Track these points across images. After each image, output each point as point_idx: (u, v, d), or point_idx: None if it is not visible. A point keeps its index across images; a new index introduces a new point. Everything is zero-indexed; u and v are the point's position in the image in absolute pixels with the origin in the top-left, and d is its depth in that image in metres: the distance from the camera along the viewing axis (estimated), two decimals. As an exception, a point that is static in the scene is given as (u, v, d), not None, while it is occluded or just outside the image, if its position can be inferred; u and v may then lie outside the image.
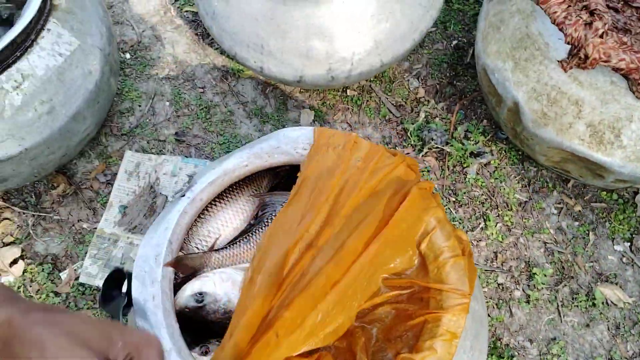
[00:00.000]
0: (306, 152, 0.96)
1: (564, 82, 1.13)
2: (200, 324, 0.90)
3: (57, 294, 1.27)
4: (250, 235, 1.00)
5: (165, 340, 0.82)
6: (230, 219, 1.04)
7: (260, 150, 0.96)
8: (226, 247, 1.00)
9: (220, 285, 0.91)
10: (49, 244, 1.33)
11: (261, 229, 1.00)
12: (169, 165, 1.39)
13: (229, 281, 0.91)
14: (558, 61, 1.12)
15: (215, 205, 1.04)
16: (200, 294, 0.90)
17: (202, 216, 1.02)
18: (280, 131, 0.98)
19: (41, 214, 1.36)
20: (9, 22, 1.37)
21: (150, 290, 0.86)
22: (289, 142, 0.96)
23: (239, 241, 1.00)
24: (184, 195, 0.95)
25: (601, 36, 1.04)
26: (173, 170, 1.38)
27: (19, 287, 1.27)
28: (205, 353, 0.89)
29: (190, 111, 1.49)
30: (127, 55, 1.57)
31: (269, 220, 1.00)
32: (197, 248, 1.01)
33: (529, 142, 1.26)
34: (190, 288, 0.90)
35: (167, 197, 1.34)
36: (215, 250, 0.99)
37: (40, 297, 1.26)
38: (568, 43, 1.08)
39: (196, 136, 1.45)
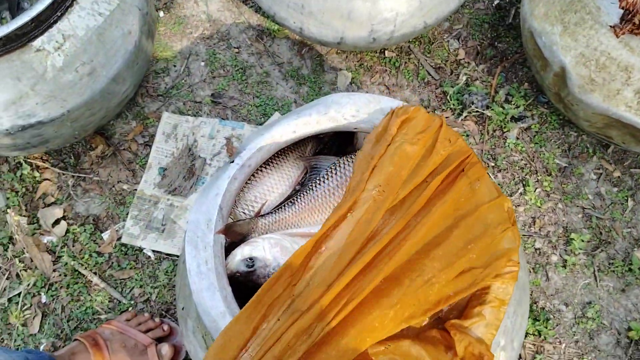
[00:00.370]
0: (354, 119, 0.95)
1: (614, 47, 1.10)
2: (249, 289, 0.92)
3: (99, 254, 1.30)
4: (295, 199, 1.01)
5: (219, 302, 0.84)
6: (276, 184, 1.04)
7: (309, 116, 0.95)
8: (272, 212, 1.01)
9: (269, 250, 0.92)
10: (90, 204, 1.35)
11: (306, 193, 1.01)
12: (207, 128, 1.39)
13: (278, 246, 0.92)
14: (610, 26, 1.09)
15: (261, 170, 1.04)
16: (251, 259, 0.91)
17: (248, 182, 1.03)
18: (328, 97, 0.97)
19: (81, 174, 1.38)
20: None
21: (203, 254, 0.87)
22: (337, 109, 0.96)
23: (284, 206, 1.01)
24: (233, 162, 0.95)
25: (659, 0, 1.01)
26: (210, 133, 1.38)
27: (62, 247, 1.30)
28: (256, 316, 0.91)
29: (226, 72, 1.48)
30: (161, 14, 1.55)
31: (314, 184, 1.00)
32: (244, 213, 1.02)
33: (574, 107, 1.23)
34: (241, 253, 0.92)
35: (205, 159, 1.35)
36: (262, 215, 1.00)
37: (83, 257, 1.29)
38: (622, 8, 1.04)
39: (232, 98, 1.44)
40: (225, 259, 0.92)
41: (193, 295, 0.85)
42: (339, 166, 1.00)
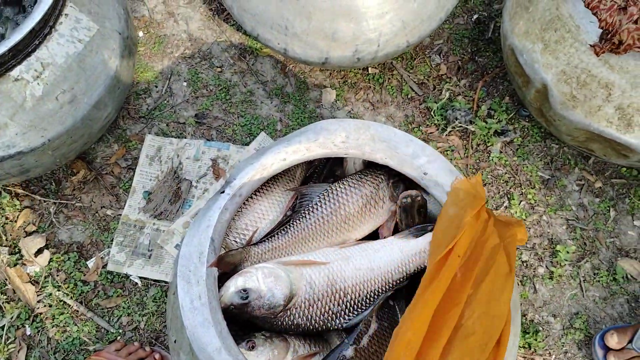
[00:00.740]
0: (344, 145, 0.95)
1: (595, 65, 1.12)
2: (244, 321, 0.91)
3: (85, 282, 1.27)
4: (288, 227, 1.00)
5: (214, 338, 0.83)
6: (267, 210, 1.04)
7: (299, 144, 0.95)
8: (265, 241, 1.00)
9: (263, 280, 0.91)
10: (73, 232, 1.33)
11: (299, 220, 1.00)
12: (192, 149, 1.37)
13: (272, 276, 0.92)
14: (590, 45, 1.10)
15: (251, 197, 1.04)
16: (245, 290, 0.90)
17: (239, 209, 1.02)
18: (317, 124, 0.97)
19: (62, 201, 1.35)
20: (16, 2, 1.32)
21: (196, 289, 0.86)
22: (326, 135, 0.95)
23: (277, 234, 1.00)
24: (223, 192, 0.94)
25: (636, 22, 1.03)
26: (196, 155, 1.36)
27: (46, 277, 1.27)
28: (252, 348, 0.90)
29: (209, 92, 1.46)
30: (140, 34, 1.53)
31: (307, 212, 1.00)
32: (235, 242, 1.01)
33: (556, 122, 1.25)
34: (234, 285, 0.91)
35: (191, 182, 1.33)
36: (255, 244, 1.00)
37: (68, 287, 1.26)
38: (601, 28, 1.06)
39: (217, 118, 1.43)
40: (218, 291, 0.91)
41: (187, 332, 0.84)
42: (332, 193, 1.00)
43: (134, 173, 1.36)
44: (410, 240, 0.98)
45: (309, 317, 0.91)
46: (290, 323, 0.91)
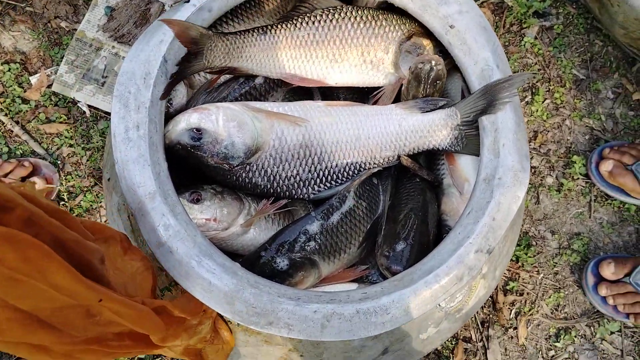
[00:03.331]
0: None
1: None
2: (191, 167, 0.74)
3: (24, 100, 1.08)
4: (269, 28, 0.77)
5: (149, 180, 0.66)
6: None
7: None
8: (238, 34, 0.76)
9: (223, 124, 0.72)
10: (19, 40, 1.12)
11: (286, 26, 0.77)
12: (170, -35, 1.13)
13: (235, 121, 0.73)
14: None
15: (227, 24, 0.82)
16: (199, 130, 0.72)
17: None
18: None
19: (11, 1, 1.12)
20: None
21: (134, 116, 0.68)
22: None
23: (256, 30, 0.77)
24: (188, 1, 0.73)
25: None
26: (174, -28, 1.12)
27: (-20, 86, 1.08)
28: (197, 200, 0.73)
29: None
30: None
31: (300, 21, 0.78)
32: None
33: (613, 8, 1.02)
34: (186, 121, 0.72)
35: (164, 5, 1.11)
36: (225, 33, 0.76)
37: (4, 101, 1.07)
38: None
39: None
40: (165, 125, 0.73)
41: (117, 167, 0.67)
42: (334, 12, 0.78)
43: (98, -17, 1.13)
44: (414, 114, 0.79)
45: (272, 178, 0.74)
46: (247, 181, 0.74)
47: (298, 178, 0.74)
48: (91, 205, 1.06)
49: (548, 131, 1.16)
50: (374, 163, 0.79)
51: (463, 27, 0.73)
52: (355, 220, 0.77)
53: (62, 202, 1.06)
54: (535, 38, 1.18)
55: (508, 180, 0.69)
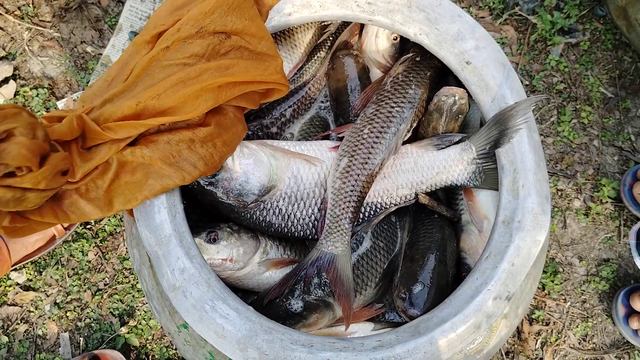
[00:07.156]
0: (370, 7, 0.72)
1: None
2: (207, 203, 0.74)
3: (52, 125, 1.11)
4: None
5: (166, 223, 0.66)
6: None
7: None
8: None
9: (239, 160, 0.73)
10: (47, 65, 1.14)
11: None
12: (192, -10, 1.13)
13: (251, 158, 0.73)
14: None
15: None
16: (214, 168, 0.72)
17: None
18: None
19: (39, 27, 1.15)
20: None
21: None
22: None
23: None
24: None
25: None
26: None
27: (10, 111, 1.10)
28: (213, 240, 0.73)
29: None
30: None
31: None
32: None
33: (643, 27, 0.99)
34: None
35: (186, 29, 1.11)
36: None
37: (33, 127, 1.10)
38: None
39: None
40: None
41: (133, 209, 0.67)
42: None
43: (122, 8, 1.14)
44: (429, 151, 0.78)
45: (286, 217, 0.74)
46: (261, 219, 0.74)
47: (313, 217, 0.74)
48: (115, 229, 1.08)
49: (575, 152, 1.13)
50: (391, 203, 0.77)
51: (480, 63, 0.71)
52: (372, 262, 0.77)
53: (88, 226, 1.08)
54: (561, 55, 1.15)
55: (528, 223, 0.67)
